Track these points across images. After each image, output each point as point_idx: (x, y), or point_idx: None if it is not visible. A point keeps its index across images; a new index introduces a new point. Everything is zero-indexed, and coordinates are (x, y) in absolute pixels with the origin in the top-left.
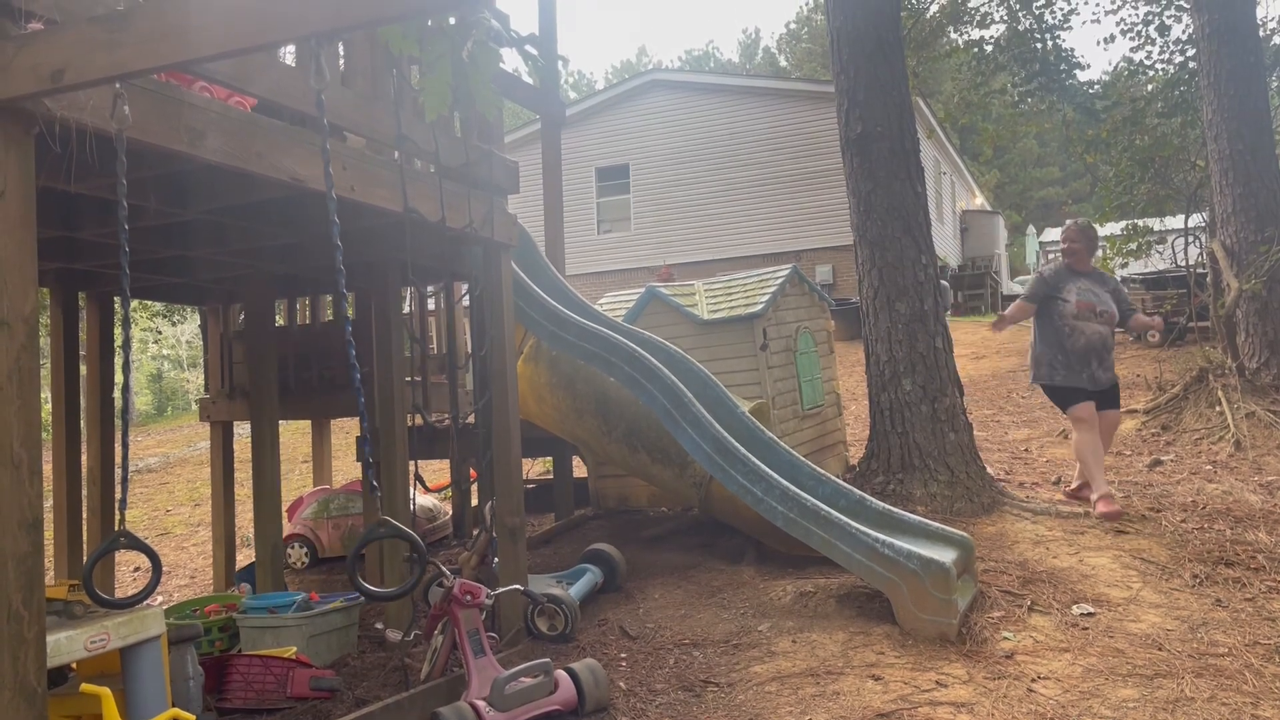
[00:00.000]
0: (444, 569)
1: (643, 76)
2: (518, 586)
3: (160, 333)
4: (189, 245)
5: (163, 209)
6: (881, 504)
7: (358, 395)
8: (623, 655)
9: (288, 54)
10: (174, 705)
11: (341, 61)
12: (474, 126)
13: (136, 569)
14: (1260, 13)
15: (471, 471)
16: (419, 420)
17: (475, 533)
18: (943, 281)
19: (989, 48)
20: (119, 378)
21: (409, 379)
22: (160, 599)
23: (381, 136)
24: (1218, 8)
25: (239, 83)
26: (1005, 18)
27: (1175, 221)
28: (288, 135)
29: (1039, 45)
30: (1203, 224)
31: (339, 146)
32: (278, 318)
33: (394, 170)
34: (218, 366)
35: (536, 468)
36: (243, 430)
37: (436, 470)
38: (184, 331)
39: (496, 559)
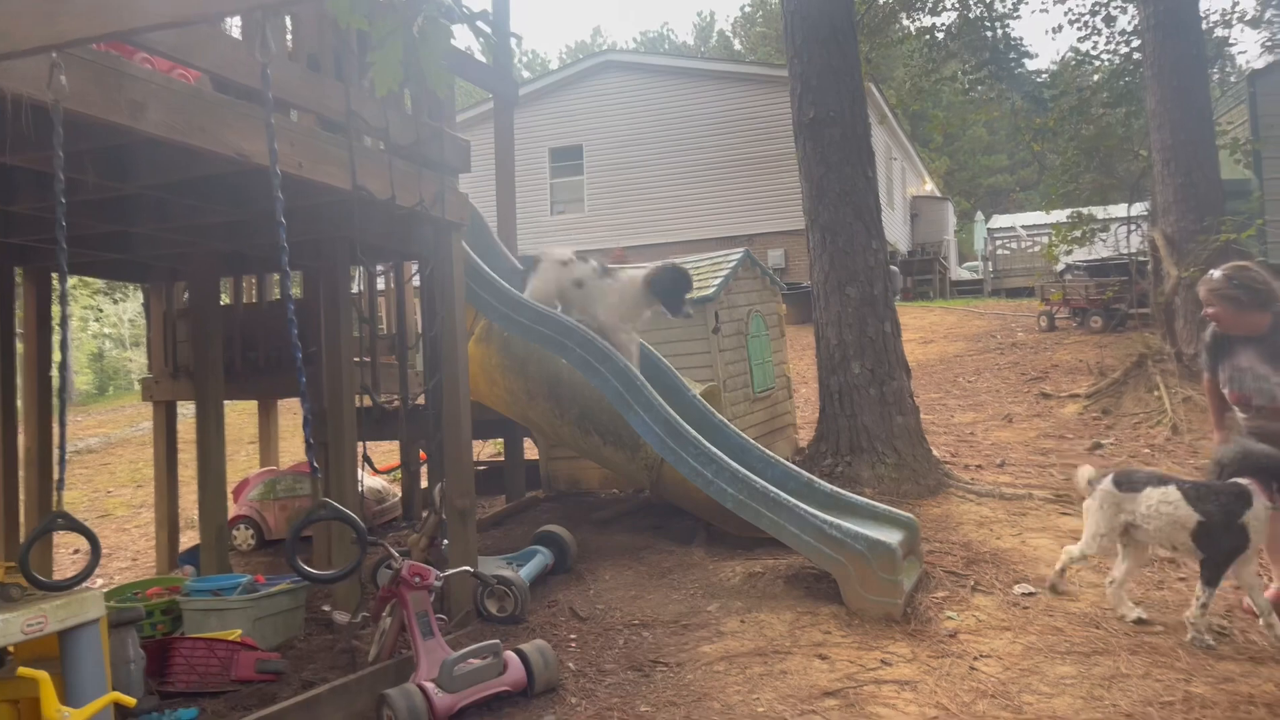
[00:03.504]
0: (393, 551)
1: (597, 57)
2: (467, 568)
3: (102, 311)
4: (131, 221)
5: (102, 183)
6: (830, 486)
7: (299, 375)
8: (572, 636)
9: (234, 27)
10: (114, 689)
11: (289, 36)
12: (425, 104)
13: (76, 551)
14: (1203, 6)
15: (421, 453)
16: (368, 401)
17: (425, 515)
18: (892, 267)
19: (940, 35)
20: (57, 356)
21: (358, 359)
22: (101, 582)
23: (330, 113)
24: (1162, 0)
25: (182, 55)
26: (956, 5)
27: (1119, 210)
28: (233, 110)
29: (989, 33)
30: (1145, 213)
31: (286, 122)
32: (223, 296)
33: (343, 147)
34: (161, 345)
35: (488, 450)
36: (187, 410)
37: (386, 452)
38: (127, 310)
39: (446, 541)
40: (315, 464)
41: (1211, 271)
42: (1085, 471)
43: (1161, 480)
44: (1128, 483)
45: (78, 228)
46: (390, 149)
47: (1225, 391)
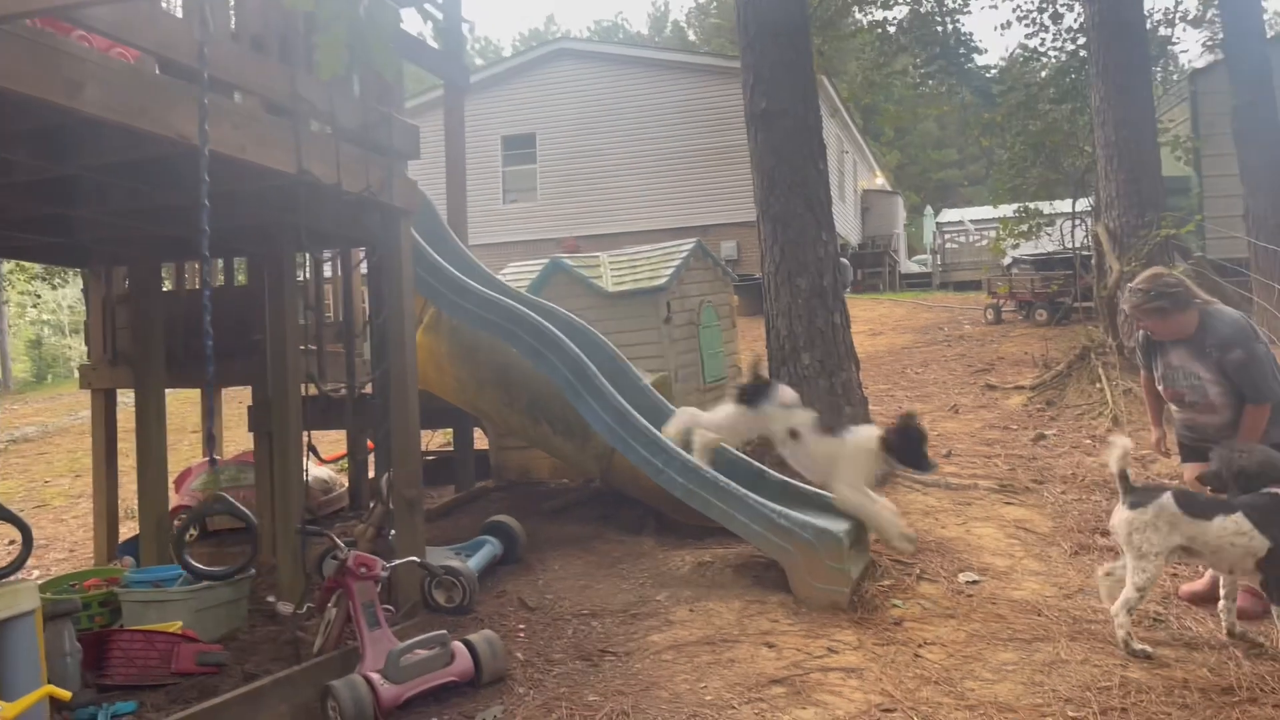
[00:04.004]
0: (338, 541)
1: (551, 45)
2: (415, 558)
3: (40, 296)
4: (68, 204)
5: (38, 164)
6: (779, 476)
7: (208, 364)
8: (521, 626)
9: (176, 6)
10: (50, 682)
11: (232, 16)
12: (373, 88)
13: (11, 542)
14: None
15: (369, 443)
16: (314, 390)
17: (372, 505)
18: (843, 259)
19: (892, 29)
20: None
21: (304, 347)
22: (37, 573)
23: (275, 95)
24: None
25: (121, 33)
26: (908, 0)
27: (1064, 205)
28: (174, 90)
29: (940, 28)
30: (1089, 208)
31: (229, 104)
32: (165, 282)
33: (288, 131)
34: (100, 332)
35: (437, 439)
36: (127, 399)
37: (333, 441)
38: (66, 295)
39: (393, 531)
40: (215, 457)
41: (1130, 289)
42: (1121, 451)
43: (1227, 508)
44: (1194, 507)
45: (10, 210)
46: (337, 133)
47: (1160, 388)
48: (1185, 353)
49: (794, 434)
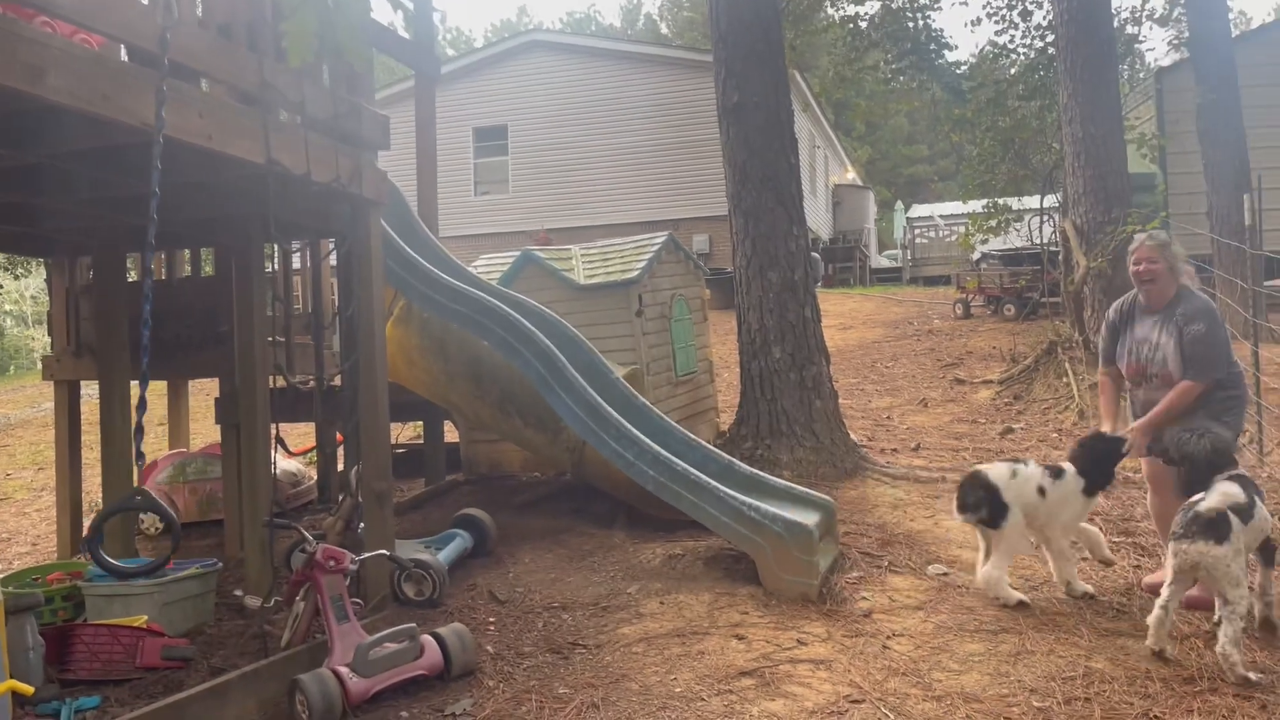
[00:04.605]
0: (306, 535)
1: (523, 36)
2: (383, 552)
3: (1, 286)
4: (31, 192)
5: None
6: (749, 468)
7: (143, 355)
8: (491, 619)
9: None
10: (12, 677)
11: (199, 3)
12: (342, 77)
13: None
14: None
15: (338, 435)
16: (282, 382)
17: (340, 498)
18: (814, 253)
19: (863, 24)
20: None
21: (272, 339)
22: None
23: (243, 83)
24: None
25: (85, 19)
26: None
27: (1032, 201)
28: (138, 77)
29: (911, 24)
30: (1057, 204)
31: (195, 92)
32: (130, 272)
33: (256, 120)
34: (64, 323)
35: (407, 432)
36: (92, 390)
37: (301, 434)
38: (29, 286)
39: (362, 524)
40: (140, 450)
41: (1145, 236)
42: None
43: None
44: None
45: None
46: (306, 123)
47: (1123, 366)
48: (1153, 324)
49: (1042, 491)
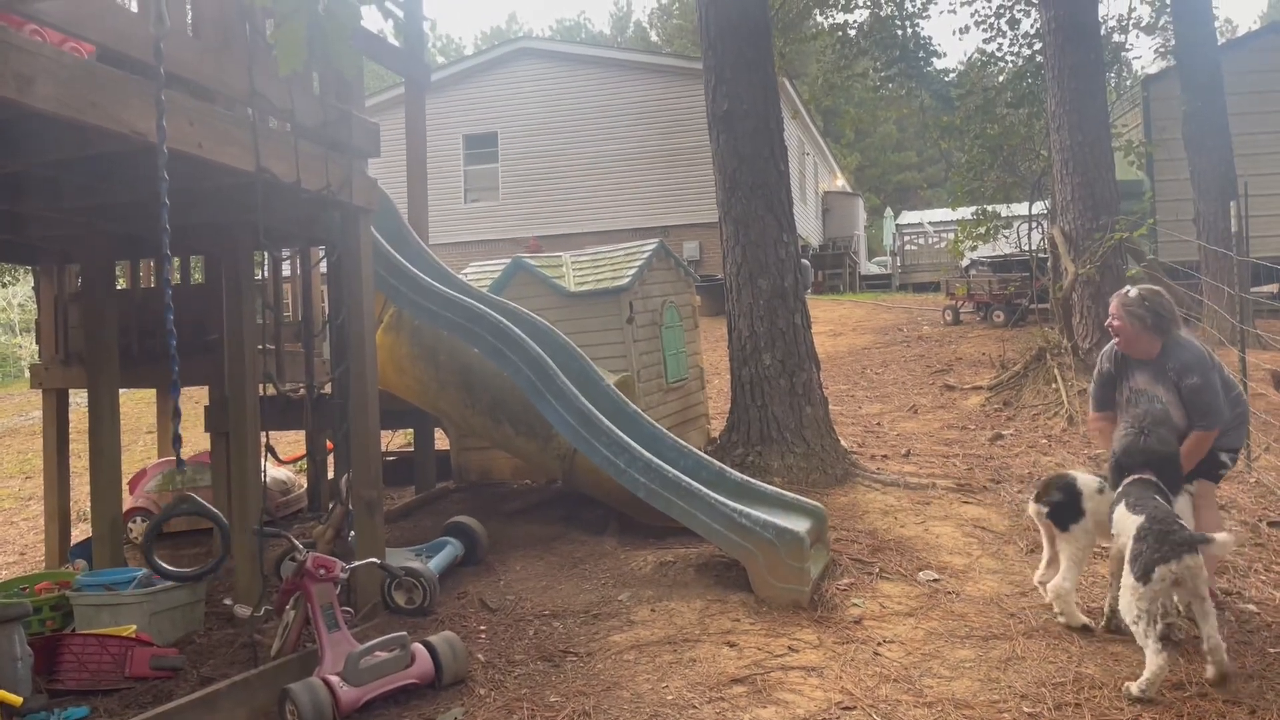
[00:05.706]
0: (296, 543)
1: (513, 44)
2: (374, 560)
3: None
4: (19, 200)
5: None
6: (740, 475)
7: (172, 363)
8: (482, 628)
9: (131, 1)
10: (0, 687)
11: (189, 10)
12: (332, 85)
13: None
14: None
15: (328, 443)
16: (272, 390)
17: (331, 506)
18: (804, 260)
19: (852, 32)
20: None
21: (262, 346)
22: None
23: (233, 92)
24: (1062, 4)
25: (74, 27)
26: (868, 3)
27: (1021, 208)
28: (127, 85)
29: (900, 32)
30: (1045, 211)
31: (186, 100)
32: (120, 280)
33: (246, 127)
34: (52, 331)
35: (398, 440)
36: (81, 399)
37: (291, 442)
38: (17, 293)
39: (352, 532)
40: (181, 458)
41: (1128, 288)
42: None
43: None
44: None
45: None
46: (296, 131)
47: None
48: (1149, 376)
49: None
